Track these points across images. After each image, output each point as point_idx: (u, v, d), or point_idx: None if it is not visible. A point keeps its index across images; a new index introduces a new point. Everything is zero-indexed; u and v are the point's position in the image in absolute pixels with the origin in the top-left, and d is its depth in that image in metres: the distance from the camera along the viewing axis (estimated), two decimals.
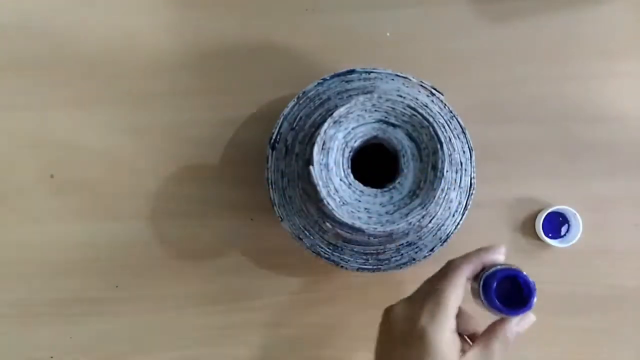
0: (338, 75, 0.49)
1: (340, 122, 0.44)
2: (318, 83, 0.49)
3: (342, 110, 0.44)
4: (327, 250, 0.49)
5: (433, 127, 0.44)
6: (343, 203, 0.44)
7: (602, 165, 0.57)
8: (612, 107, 0.57)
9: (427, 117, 0.44)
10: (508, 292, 0.41)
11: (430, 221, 0.47)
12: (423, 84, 0.49)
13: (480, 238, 0.56)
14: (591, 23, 0.57)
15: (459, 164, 0.48)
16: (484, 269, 0.42)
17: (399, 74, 0.49)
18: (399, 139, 0.45)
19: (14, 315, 0.56)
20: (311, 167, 0.43)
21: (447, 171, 0.44)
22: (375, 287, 0.57)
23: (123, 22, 0.56)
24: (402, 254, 0.49)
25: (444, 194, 0.46)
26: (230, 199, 0.56)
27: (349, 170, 0.45)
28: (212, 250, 0.57)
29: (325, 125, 0.43)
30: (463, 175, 0.48)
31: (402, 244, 0.48)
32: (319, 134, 0.43)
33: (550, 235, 0.56)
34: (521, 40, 0.57)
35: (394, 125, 0.45)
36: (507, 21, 0.57)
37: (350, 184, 0.45)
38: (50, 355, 0.57)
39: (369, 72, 0.49)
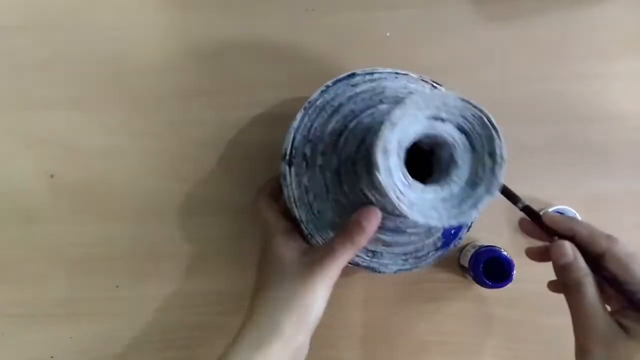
0: (340, 80, 0.48)
1: (396, 124, 0.43)
2: (322, 91, 0.48)
3: (398, 112, 0.42)
4: (366, 258, 0.47)
5: (486, 116, 0.43)
6: (412, 205, 0.42)
7: (601, 165, 0.57)
8: (612, 107, 0.57)
9: (478, 106, 0.42)
10: (491, 268, 0.52)
11: None
12: (423, 79, 0.49)
13: (479, 238, 0.57)
14: (591, 23, 0.57)
15: None
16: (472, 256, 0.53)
17: (399, 72, 0.49)
18: (449, 132, 0.43)
19: (14, 315, 0.56)
20: (377, 174, 0.40)
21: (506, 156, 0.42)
22: (375, 287, 0.57)
23: (124, 22, 0.56)
24: (437, 247, 0.48)
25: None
26: (231, 199, 0.56)
27: (406, 171, 0.43)
28: (212, 250, 0.57)
29: (385, 129, 0.41)
30: None
31: (438, 237, 0.48)
32: (378, 139, 0.41)
33: None
34: (521, 40, 0.57)
35: (442, 119, 0.43)
36: (507, 21, 0.57)
37: (409, 184, 0.42)
38: (50, 355, 0.57)
39: (372, 74, 0.48)
